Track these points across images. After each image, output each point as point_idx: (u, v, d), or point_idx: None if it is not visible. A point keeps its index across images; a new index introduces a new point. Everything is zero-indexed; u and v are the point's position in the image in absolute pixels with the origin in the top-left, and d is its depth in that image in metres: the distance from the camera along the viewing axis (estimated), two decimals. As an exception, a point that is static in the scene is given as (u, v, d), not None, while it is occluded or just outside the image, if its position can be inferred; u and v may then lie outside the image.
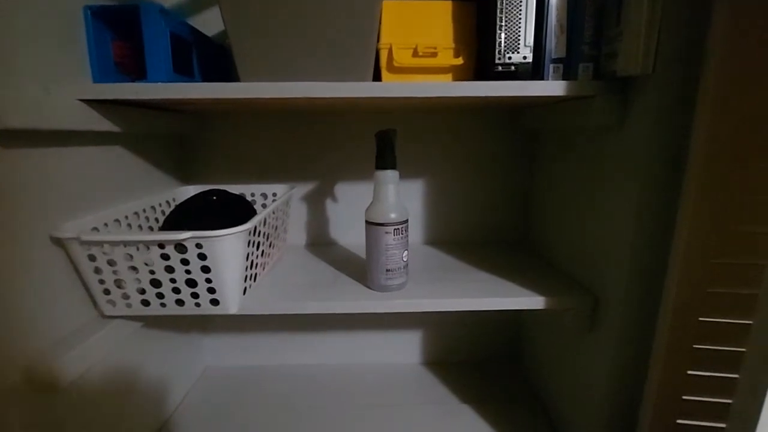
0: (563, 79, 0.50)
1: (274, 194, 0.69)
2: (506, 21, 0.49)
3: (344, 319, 0.81)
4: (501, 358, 0.83)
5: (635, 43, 0.43)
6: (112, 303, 0.48)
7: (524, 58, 0.50)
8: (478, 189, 0.76)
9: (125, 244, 0.44)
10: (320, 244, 0.76)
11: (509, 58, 0.50)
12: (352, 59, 0.49)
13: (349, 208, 0.75)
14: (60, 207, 0.46)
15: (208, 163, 0.73)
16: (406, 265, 0.55)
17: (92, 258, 0.45)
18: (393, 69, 0.54)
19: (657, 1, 0.41)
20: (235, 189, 0.67)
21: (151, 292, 0.47)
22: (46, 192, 0.45)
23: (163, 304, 0.48)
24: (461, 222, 0.77)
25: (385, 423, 0.67)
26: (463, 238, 0.77)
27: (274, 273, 0.61)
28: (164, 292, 0.47)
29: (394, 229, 0.53)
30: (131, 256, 0.45)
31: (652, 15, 0.41)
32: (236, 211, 0.59)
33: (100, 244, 0.44)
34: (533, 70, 0.50)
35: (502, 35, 0.49)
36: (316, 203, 0.75)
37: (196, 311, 0.48)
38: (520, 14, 0.49)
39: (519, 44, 0.50)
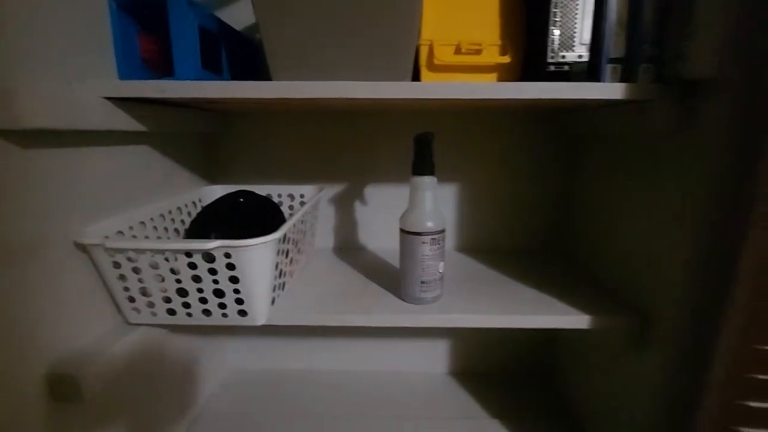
0: (621, 81, 0.45)
1: (302, 195, 0.66)
2: (561, 16, 0.45)
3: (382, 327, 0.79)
4: (533, 370, 0.79)
5: (711, 42, 0.38)
6: (137, 311, 0.46)
7: (579, 57, 0.46)
8: (513, 194, 0.72)
9: (152, 252, 0.42)
10: (348, 248, 0.74)
11: (563, 56, 0.46)
12: (391, 57, 0.46)
13: (379, 211, 0.72)
14: (83, 209, 0.44)
15: (235, 161, 0.71)
16: (442, 277, 0.52)
17: (117, 265, 0.43)
18: (433, 67, 0.50)
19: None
20: (261, 189, 0.64)
21: (177, 301, 0.45)
22: (69, 194, 0.43)
23: (189, 314, 0.46)
24: (495, 228, 0.73)
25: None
26: (497, 246, 0.74)
27: (302, 280, 0.59)
28: (191, 302, 0.45)
29: (431, 239, 0.49)
30: (157, 264, 0.43)
31: (733, 11, 0.37)
32: (264, 215, 0.57)
33: (125, 251, 0.42)
34: (589, 71, 0.46)
35: (556, 31, 0.45)
36: (344, 205, 0.72)
37: (223, 322, 0.46)
38: (576, 9, 0.45)
39: (574, 42, 0.46)
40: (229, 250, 0.42)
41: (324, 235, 0.73)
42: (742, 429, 0.41)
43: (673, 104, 0.43)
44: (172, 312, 0.46)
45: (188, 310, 0.46)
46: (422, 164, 0.49)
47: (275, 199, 0.65)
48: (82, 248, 0.43)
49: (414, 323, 0.49)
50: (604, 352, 0.59)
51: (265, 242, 0.43)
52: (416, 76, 0.50)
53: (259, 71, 0.65)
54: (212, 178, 0.70)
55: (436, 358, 0.80)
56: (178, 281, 0.44)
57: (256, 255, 0.43)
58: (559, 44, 0.46)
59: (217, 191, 0.64)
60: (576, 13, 0.45)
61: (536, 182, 0.72)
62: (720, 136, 0.40)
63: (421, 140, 0.49)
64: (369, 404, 0.71)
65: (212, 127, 0.66)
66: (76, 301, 0.43)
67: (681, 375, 0.45)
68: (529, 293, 0.55)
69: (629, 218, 0.53)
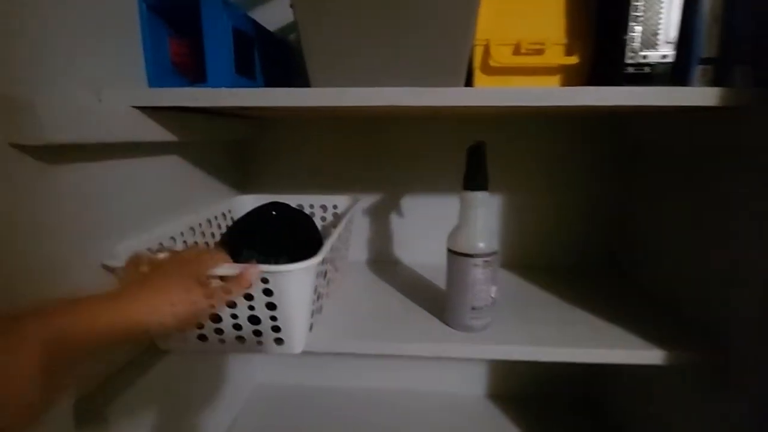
0: (713, 85, 0.39)
1: (335, 206, 0.62)
2: (645, 9, 0.39)
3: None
4: (577, 396, 0.73)
5: None
6: (168, 336, 0.43)
7: (663, 57, 0.40)
8: (562, 206, 0.66)
9: (184, 276, 0.39)
10: (382, 261, 0.69)
11: (644, 56, 0.40)
12: (443, 60, 0.41)
13: (415, 223, 0.68)
14: (111, 226, 0.41)
15: (265, 169, 0.67)
16: (494, 302, 0.47)
17: (147, 287, 0.40)
18: (488, 70, 0.45)
19: None
20: (293, 199, 0.61)
21: (209, 326, 0.42)
22: (96, 210, 0.40)
23: (222, 341, 0.42)
24: (543, 243, 0.68)
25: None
26: (545, 262, 0.68)
27: (339, 300, 0.54)
28: (224, 328, 0.42)
29: (484, 261, 0.44)
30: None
31: None
32: (297, 229, 0.53)
33: (155, 275, 0.39)
34: (674, 73, 0.40)
35: (638, 28, 0.39)
36: (379, 216, 0.68)
37: (258, 350, 0.43)
38: (662, 1, 0.39)
39: (658, 39, 0.39)
40: (267, 276, 0.38)
41: (357, 247, 0.69)
42: None
43: (772, 112, 0.37)
44: (203, 338, 0.43)
45: (221, 337, 0.42)
46: (475, 178, 0.44)
47: (307, 210, 0.62)
48: (110, 270, 0.40)
49: (465, 354, 0.45)
50: (669, 385, 0.53)
51: (306, 267, 0.39)
52: (468, 79, 0.45)
53: (292, 74, 0.61)
54: (242, 187, 0.67)
55: (472, 379, 0.75)
56: (211, 306, 0.40)
57: (295, 280, 0.39)
58: (641, 42, 0.40)
59: (247, 201, 0.61)
60: (662, 6, 0.39)
61: (589, 193, 0.65)
62: None
63: (475, 151, 0.44)
64: (399, 425, 0.67)
65: (243, 134, 0.63)
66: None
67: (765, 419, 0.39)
68: (588, 320, 0.50)
69: (704, 239, 0.47)
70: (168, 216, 0.49)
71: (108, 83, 0.41)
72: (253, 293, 0.39)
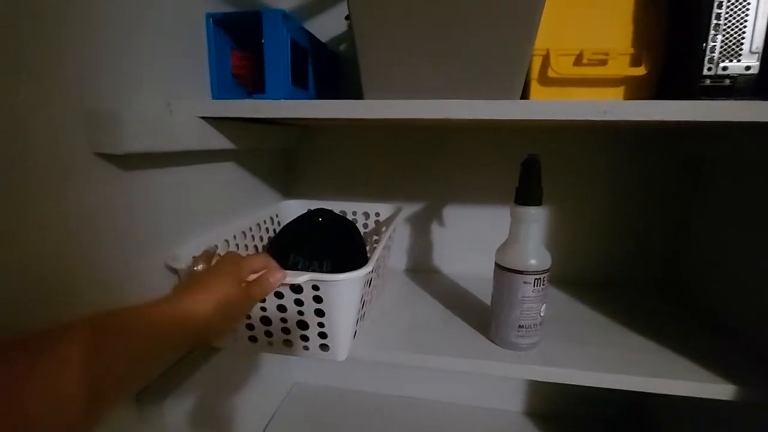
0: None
1: (377, 214, 0.63)
2: (727, 17, 0.36)
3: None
4: (619, 416, 0.69)
5: None
6: (219, 335, 0.45)
7: (747, 68, 0.37)
8: (614, 219, 0.63)
9: (240, 279, 0.40)
10: (422, 270, 0.69)
11: (724, 68, 0.37)
12: (500, 72, 0.40)
13: (456, 233, 0.67)
14: (174, 229, 0.44)
15: (310, 176, 0.69)
16: (542, 321, 0.45)
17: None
18: (546, 81, 0.43)
19: None
20: (336, 206, 0.62)
21: (260, 328, 0.43)
22: (162, 214, 0.42)
23: (270, 343, 0.44)
24: (593, 257, 0.64)
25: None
26: (598, 278, 0.64)
27: (381, 308, 0.55)
28: (273, 331, 0.43)
29: (535, 279, 0.43)
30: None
31: None
32: (342, 235, 0.54)
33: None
34: (758, 85, 0.37)
35: (719, 37, 0.36)
36: (420, 225, 0.68)
37: (304, 354, 0.44)
38: (748, 8, 0.36)
39: (742, 49, 0.36)
40: (318, 284, 0.39)
41: (397, 255, 0.69)
42: None
43: None
44: (253, 339, 0.44)
45: (270, 339, 0.44)
46: (529, 192, 0.43)
47: (350, 216, 0.62)
48: (173, 271, 0.43)
49: (510, 373, 0.43)
50: (721, 419, 0.48)
51: (355, 277, 0.39)
52: (524, 90, 0.44)
53: (340, 84, 0.62)
54: (288, 193, 0.69)
55: (510, 394, 0.72)
56: (263, 309, 0.42)
57: (345, 289, 0.40)
58: (721, 52, 0.37)
59: (293, 206, 0.63)
60: (747, 13, 0.36)
61: (643, 207, 0.61)
62: None
63: (530, 165, 0.43)
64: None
65: (293, 142, 0.65)
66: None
67: None
68: (643, 344, 0.47)
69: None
70: (224, 219, 0.52)
71: (177, 95, 0.43)
72: (303, 299, 0.40)
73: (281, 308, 0.42)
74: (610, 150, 0.61)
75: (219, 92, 0.49)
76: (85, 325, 0.24)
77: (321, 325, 0.41)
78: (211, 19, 0.48)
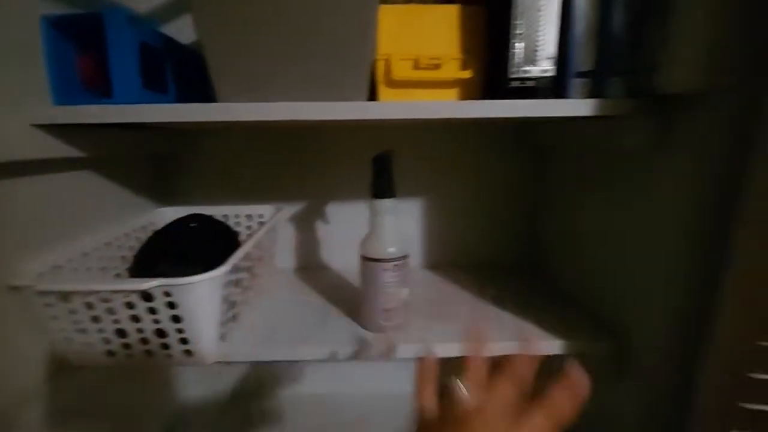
0: (590, 97, 0.42)
1: (261, 216, 0.63)
2: (525, 28, 0.42)
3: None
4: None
5: (692, 52, 0.35)
6: (74, 351, 0.43)
7: (544, 71, 0.43)
8: (480, 207, 0.70)
9: (82, 294, 0.39)
10: (311, 268, 0.71)
11: (526, 71, 0.43)
12: (344, 75, 0.43)
13: (341, 229, 0.69)
14: (18, 244, 0.41)
15: (189, 182, 0.67)
16: (406, 304, 0.49)
17: (50, 305, 0.40)
18: (392, 83, 0.47)
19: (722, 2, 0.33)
20: (217, 210, 0.61)
21: (116, 342, 0.42)
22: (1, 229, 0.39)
23: (130, 356, 0.43)
24: (463, 244, 0.71)
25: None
26: (466, 261, 0.71)
27: (259, 308, 0.55)
28: (131, 342, 0.42)
29: (393, 266, 0.46)
30: (92, 305, 0.40)
31: (714, 18, 0.34)
32: (218, 241, 0.54)
33: (53, 293, 0.39)
34: (555, 86, 0.43)
35: (519, 45, 0.42)
36: (305, 225, 0.69)
37: (168, 362, 0.43)
38: (540, 19, 0.42)
39: (538, 55, 0.43)
40: (169, 289, 0.39)
41: (285, 255, 0.70)
42: None
43: (648, 119, 0.41)
44: (111, 353, 0.43)
45: (128, 351, 0.42)
46: (381, 186, 0.46)
47: (232, 221, 0.62)
48: (15, 289, 0.40)
49: (375, 355, 0.46)
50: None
51: (210, 278, 0.40)
52: (374, 92, 0.47)
53: (208, 86, 0.61)
54: (165, 200, 0.66)
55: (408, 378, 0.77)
56: (116, 321, 0.41)
57: (200, 292, 0.40)
58: (523, 58, 0.43)
59: (169, 214, 0.61)
60: (540, 25, 0.42)
61: (505, 195, 0.69)
62: (703, 150, 0.37)
63: (380, 161, 0.46)
64: (343, 430, 0.68)
65: (163, 147, 0.63)
66: (13, 345, 0.40)
67: (664, 405, 0.43)
68: (498, 315, 0.52)
69: (605, 236, 0.51)
70: (83, 232, 0.49)
71: (9, 103, 0.40)
72: (156, 306, 0.40)
73: (135, 319, 0.41)
74: (475, 143, 0.67)
75: (63, 99, 0.46)
76: None
77: (180, 331, 0.41)
78: (46, 22, 0.45)
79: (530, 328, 0.49)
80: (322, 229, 0.69)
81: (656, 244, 0.42)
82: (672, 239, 0.40)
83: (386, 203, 0.47)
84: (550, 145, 0.63)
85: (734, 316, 0.36)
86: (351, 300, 0.57)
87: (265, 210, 0.62)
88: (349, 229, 0.68)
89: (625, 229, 0.47)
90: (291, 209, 0.68)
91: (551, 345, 0.47)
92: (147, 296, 0.39)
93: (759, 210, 0.34)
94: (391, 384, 0.77)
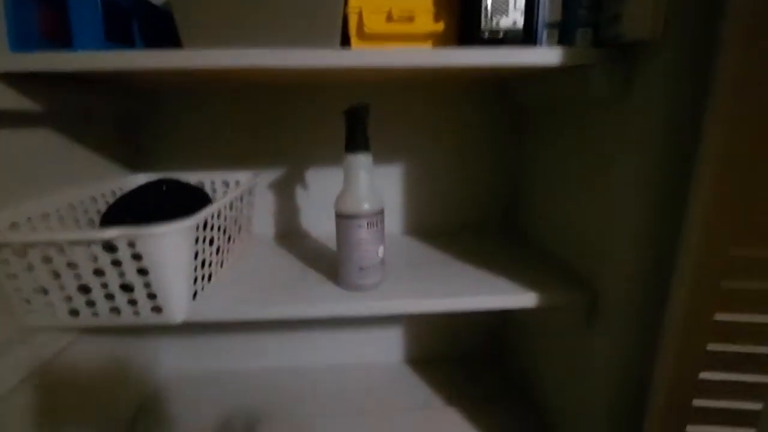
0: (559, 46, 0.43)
1: (237, 182, 0.62)
2: (493, -22, 0.42)
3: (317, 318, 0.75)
4: (486, 355, 0.77)
5: (647, 2, 0.36)
6: (34, 313, 0.41)
7: (514, 23, 0.43)
8: (459, 170, 0.69)
9: (41, 245, 0.37)
10: (290, 235, 0.69)
11: (497, 23, 0.43)
12: (315, 23, 0.42)
13: (322, 195, 0.68)
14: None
15: (162, 147, 0.65)
16: (382, 261, 0.49)
17: (5, 262, 0.38)
18: (364, 36, 0.46)
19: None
20: (193, 177, 0.59)
21: (79, 299, 0.40)
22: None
23: (95, 314, 0.41)
24: (443, 208, 0.71)
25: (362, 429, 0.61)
26: (446, 226, 0.71)
27: (234, 271, 0.54)
28: (95, 299, 0.40)
29: (368, 222, 0.46)
30: (51, 258, 0.38)
31: None
32: (191, 204, 0.52)
33: (9, 246, 0.37)
34: (524, 37, 0.44)
35: (489, -5, 0.42)
36: (285, 191, 0.68)
37: (136, 321, 0.42)
38: (509, -30, 0.42)
39: (508, 7, 0.43)
40: (133, 239, 0.37)
41: (264, 223, 0.69)
42: (693, 402, 0.40)
43: (613, 68, 0.42)
44: (75, 312, 0.41)
45: (93, 309, 0.41)
46: (354, 140, 0.46)
47: (208, 187, 0.60)
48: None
49: (351, 312, 0.46)
50: (557, 330, 0.57)
51: (175, 230, 0.38)
52: (347, 46, 0.46)
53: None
54: (138, 167, 0.63)
55: (389, 347, 0.77)
56: (78, 277, 0.39)
57: (167, 244, 0.39)
58: (492, 10, 0.43)
59: (141, 180, 0.59)
60: (508, -25, 0.42)
61: (483, 157, 0.69)
62: (659, 101, 0.38)
63: (352, 114, 0.46)
64: (318, 401, 0.67)
65: (132, 108, 0.61)
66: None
67: (633, 350, 0.44)
68: (476, 274, 0.53)
69: (579, 191, 0.51)
70: (43, 195, 0.47)
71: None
72: (120, 259, 0.38)
73: (98, 273, 0.39)
74: (449, 103, 0.67)
75: (18, 46, 0.44)
76: None
77: (147, 285, 0.40)
78: (-2, -34, 0.42)
79: (503, 284, 0.50)
80: (301, 196, 0.68)
81: (623, 197, 0.43)
82: (637, 192, 0.41)
83: (360, 158, 0.46)
84: (527, 104, 0.64)
85: (695, 262, 0.38)
86: (329, 263, 0.56)
87: (241, 176, 0.61)
88: (329, 195, 0.68)
89: (595, 182, 0.48)
90: (269, 176, 0.67)
91: (529, 297, 0.47)
92: (110, 247, 0.38)
93: (715, 159, 0.35)
94: (370, 354, 0.77)
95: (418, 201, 0.70)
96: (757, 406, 0.38)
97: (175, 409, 0.66)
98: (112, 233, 0.36)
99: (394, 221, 0.71)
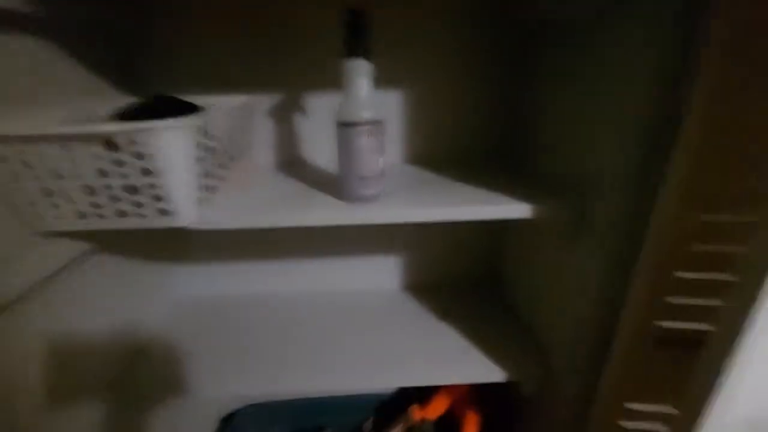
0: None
1: (235, 106, 0.60)
2: None
3: (320, 245, 0.77)
4: (483, 281, 0.81)
5: None
6: (39, 216, 0.41)
7: None
8: (461, 98, 0.68)
9: (39, 140, 0.37)
10: (293, 163, 0.69)
11: None
12: None
13: (325, 122, 0.67)
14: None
15: (159, 71, 0.63)
16: (383, 173, 0.50)
17: (4, 159, 0.38)
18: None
19: None
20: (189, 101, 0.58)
21: (83, 200, 0.41)
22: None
23: (101, 215, 0.42)
24: (445, 135, 0.70)
25: (363, 347, 0.65)
26: (447, 154, 0.71)
27: (236, 189, 0.55)
28: (100, 201, 0.41)
29: (368, 130, 0.46)
30: (51, 157, 0.38)
31: None
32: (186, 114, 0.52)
33: (5, 140, 0.36)
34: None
35: None
36: (283, 118, 0.67)
37: (143, 223, 0.43)
38: None
39: None
40: (133, 136, 0.37)
41: (265, 151, 0.68)
42: (662, 323, 0.42)
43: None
44: (82, 215, 0.42)
45: (99, 211, 0.41)
46: (354, 45, 0.45)
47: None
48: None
49: (351, 220, 0.47)
50: (547, 250, 0.60)
51: (175, 127, 0.38)
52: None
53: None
54: (131, 91, 0.62)
55: (387, 273, 0.80)
56: (80, 177, 0.39)
57: (169, 142, 0.39)
58: None
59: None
60: None
61: (486, 84, 0.68)
62: (654, 16, 0.37)
63: (352, 16, 0.44)
64: (319, 323, 0.70)
65: (122, 21, 0.58)
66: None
67: (611, 268, 0.46)
68: (474, 191, 0.54)
69: (569, 112, 0.52)
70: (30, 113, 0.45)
71: None
72: (123, 158, 0.38)
73: (102, 173, 0.39)
74: (450, 28, 0.64)
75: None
76: None
77: (152, 186, 0.40)
78: None
79: (498, 196, 0.51)
80: (303, 123, 0.67)
81: (609, 117, 0.43)
82: (624, 113, 0.41)
83: (360, 63, 0.45)
84: (531, 26, 0.61)
85: (676, 187, 0.38)
86: (331, 183, 0.56)
87: (242, 101, 0.59)
88: (331, 124, 0.67)
89: (584, 103, 0.48)
90: (272, 100, 0.65)
91: (520, 208, 0.49)
92: (111, 145, 0.38)
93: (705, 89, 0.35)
94: (370, 280, 0.80)
95: (418, 128, 0.69)
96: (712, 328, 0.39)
97: (182, 335, 0.69)
98: (110, 128, 0.36)
99: (394, 150, 0.70)
